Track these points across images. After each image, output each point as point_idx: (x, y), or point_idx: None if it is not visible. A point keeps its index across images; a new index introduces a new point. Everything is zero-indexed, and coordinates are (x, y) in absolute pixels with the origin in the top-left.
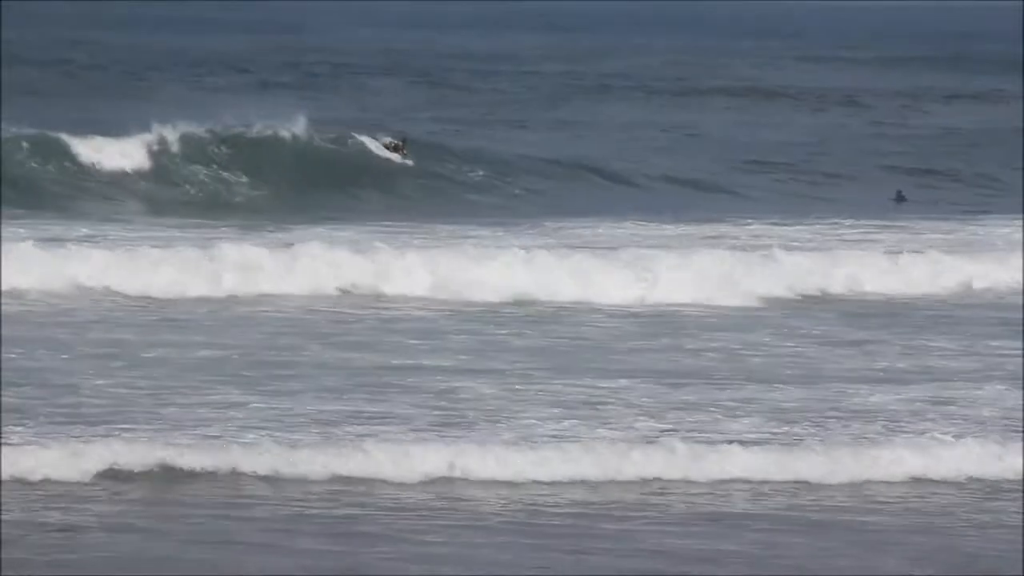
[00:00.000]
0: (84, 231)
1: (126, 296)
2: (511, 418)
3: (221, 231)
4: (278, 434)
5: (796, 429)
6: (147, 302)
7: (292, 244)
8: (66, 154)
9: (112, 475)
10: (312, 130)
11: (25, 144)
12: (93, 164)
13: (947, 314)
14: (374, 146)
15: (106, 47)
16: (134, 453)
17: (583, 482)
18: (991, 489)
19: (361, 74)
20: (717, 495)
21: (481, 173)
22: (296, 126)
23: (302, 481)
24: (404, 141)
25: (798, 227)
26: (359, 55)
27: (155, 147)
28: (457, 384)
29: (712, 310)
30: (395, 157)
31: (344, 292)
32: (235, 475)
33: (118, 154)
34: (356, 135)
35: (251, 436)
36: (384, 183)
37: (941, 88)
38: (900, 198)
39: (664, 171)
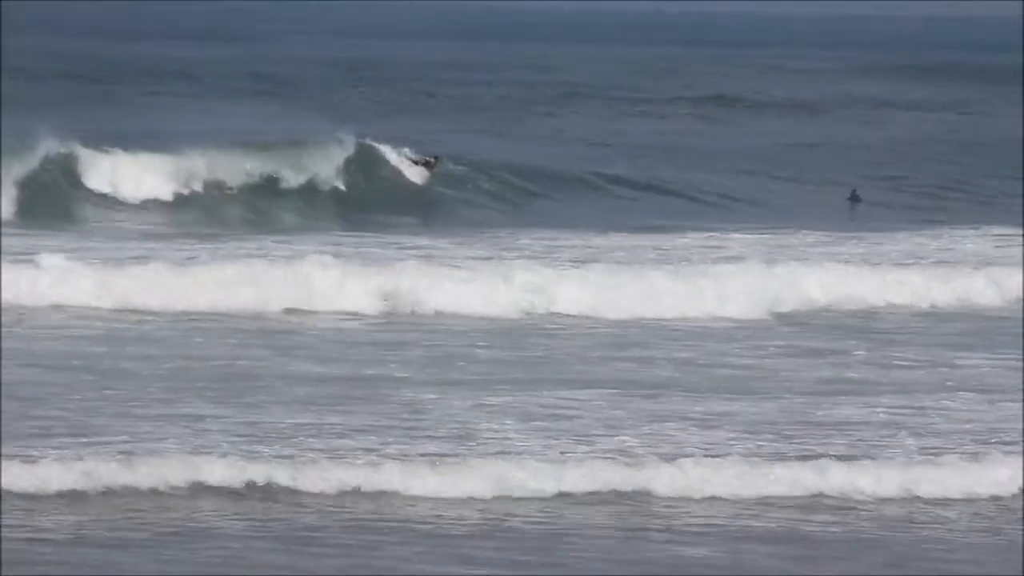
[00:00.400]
0: (61, 244)
1: (110, 311)
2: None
3: (193, 246)
4: (243, 448)
5: (769, 440)
6: (121, 315)
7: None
8: (74, 169)
9: (78, 489)
10: (332, 139)
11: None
12: (108, 183)
13: (912, 326)
14: (397, 161)
15: (70, 55)
16: (102, 467)
17: (558, 495)
18: (964, 500)
19: (329, 83)
20: (692, 507)
21: (461, 171)
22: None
23: (267, 493)
24: (436, 158)
25: (759, 235)
26: (323, 64)
27: (177, 163)
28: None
29: (676, 323)
30: (423, 173)
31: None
32: (199, 488)
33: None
34: (379, 146)
35: (217, 450)
36: (380, 197)
37: (908, 97)
38: (855, 198)
39: (629, 177)
